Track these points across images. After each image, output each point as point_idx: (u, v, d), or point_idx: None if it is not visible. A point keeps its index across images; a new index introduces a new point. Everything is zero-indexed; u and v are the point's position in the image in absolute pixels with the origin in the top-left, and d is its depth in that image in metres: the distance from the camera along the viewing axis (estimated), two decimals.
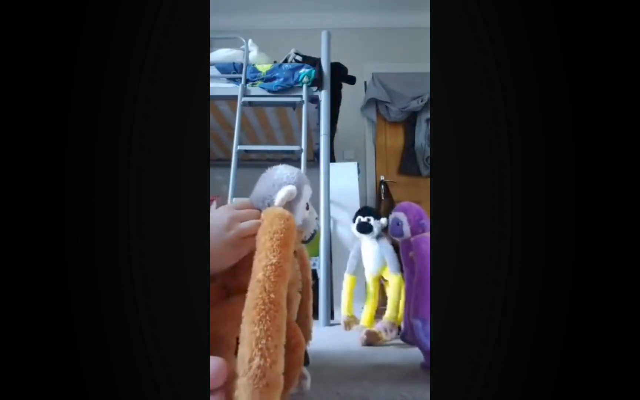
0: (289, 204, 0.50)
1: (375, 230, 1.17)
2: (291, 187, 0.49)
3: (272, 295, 0.38)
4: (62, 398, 0.33)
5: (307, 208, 0.54)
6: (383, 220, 1.18)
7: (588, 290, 0.34)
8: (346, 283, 1.27)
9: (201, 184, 0.39)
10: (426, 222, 0.88)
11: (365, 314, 1.20)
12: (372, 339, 1.06)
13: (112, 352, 0.34)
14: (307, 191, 0.53)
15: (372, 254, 1.18)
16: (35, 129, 0.35)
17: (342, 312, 1.25)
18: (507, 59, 0.37)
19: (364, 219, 1.18)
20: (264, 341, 0.35)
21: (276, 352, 0.35)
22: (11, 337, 0.33)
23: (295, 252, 0.68)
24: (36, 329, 0.33)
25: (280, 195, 0.49)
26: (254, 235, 0.45)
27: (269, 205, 0.49)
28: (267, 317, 0.36)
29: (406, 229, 0.87)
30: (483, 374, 0.35)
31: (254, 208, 0.50)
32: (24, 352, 0.33)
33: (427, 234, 0.85)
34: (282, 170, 0.52)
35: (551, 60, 0.36)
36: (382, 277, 1.20)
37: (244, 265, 0.44)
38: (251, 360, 0.34)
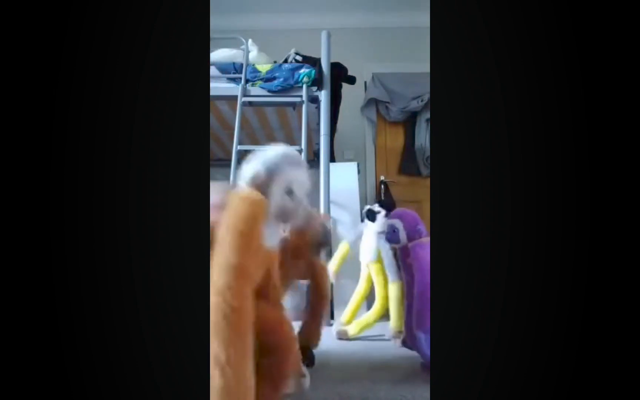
0: (261, 188, 0.45)
1: (378, 226, 1.17)
2: (257, 169, 0.45)
3: (233, 304, 0.34)
4: (62, 398, 0.33)
5: (291, 194, 0.47)
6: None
7: (588, 290, 0.34)
8: (340, 248, 1.29)
9: (201, 184, 0.39)
10: (422, 227, 0.88)
11: (349, 308, 1.23)
12: (341, 335, 1.13)
13: (112, 352, 0.34)
14: (289, 175, 0.46)
15: (369, 245, 1.19)
16: (36, 129, 0.35)
17: (343, 319, 1.27)
18: (507, 59, 0.37)
19: (376, 209, 1.20)
20: (223, 358, 0.33)
21: (240, 366, 0.34)
22: (11, 337, 0.33)
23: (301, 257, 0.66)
24: (36, 329, 0.33)
25: (244, 174, 0.45)
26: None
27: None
28: (228, 331, 0.34)
29: (402, 235, 0.88)
30: (483, 374, 0.35)
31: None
32: (24, 352, 0.33)
33: (424, 239, 0.85)
34: (268, 150, 0.47)
35: (551, 60, 0.36)
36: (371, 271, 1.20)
37: None
38: (213, 379, 0.33)
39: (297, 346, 0.48)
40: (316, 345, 0.75)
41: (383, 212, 1.19)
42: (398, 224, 0.89)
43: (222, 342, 0.33)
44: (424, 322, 0.74)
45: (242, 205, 0.39)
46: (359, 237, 1.26)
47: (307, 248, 0.76)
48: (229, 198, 0.41)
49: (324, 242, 0.78)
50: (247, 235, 0.38)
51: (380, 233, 1.18)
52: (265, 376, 0.42)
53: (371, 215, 1.18)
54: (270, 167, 0.46)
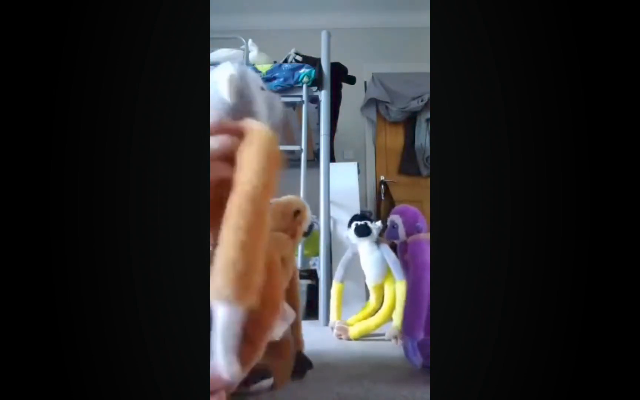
0: (242, 95, 0.45)
1: (375, 232, 1.15)
2: (230, 74, 0.45)
3: (259, 210, 0.36)
4: (62, 398, 0.33)
5: (263, 89, 0.49)
6: (379, 223, 1.17)
7: (588, 290, 0.34)
8: (334, 291, 1.24)
9: (201, 184, 0.39)
10: (422, 224, 0.88)
11: (357, 316, 1.19)
12: (340, 332, 1.11)
13: (112, 352, 0.34)
14: (253, 75, 0.48)
15: (372, 261, 1.15)
16: (36, 129, 0.35)
17: (331, 318, 1.24)
18: (507, 59, 0.37)
19: (360, 223, 1.16)
20: (252, 250, 0.34)
21: (259, 264, 0.35)
22: (12, 337, 0.33)
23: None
24: (36, 329, 0.33)
25: (224, 91, 0.45)
26: (230, 159, 0.41)
27: (231, 110, 0.45)
28: (255, 229, 0.35)
29: (401, 231, 0.88)
30: (483, 374, 0.35)
31: (220, 114, 0.45)
32: (24, 352, 0.33)
33: (423, 235, 0.84)
34: (216, 69, 0.48)
35: (551, 60, 0.36)
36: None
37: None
38: (235, 261, 0.34)
39: (280, 309, 0.47)
40: (301, 349, 0.75)
41: (368, 221, 1.17)
42: (398, 219, 0.89)
43: (245, 222, 0.34)
44: (412, 328, 0.74)
45: (268, 144, 0.40)
46: (347, 268, 1.23)
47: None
48: (251, 134, 0.42)
49: (307, 232, 0.80)
50: (273, 165, 0.39)
51: (378, 239, 1.16)
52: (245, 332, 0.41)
53: (365, 231, 1.14)
54: (239, 69, 0.47)
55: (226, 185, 0.41)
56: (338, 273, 1.24)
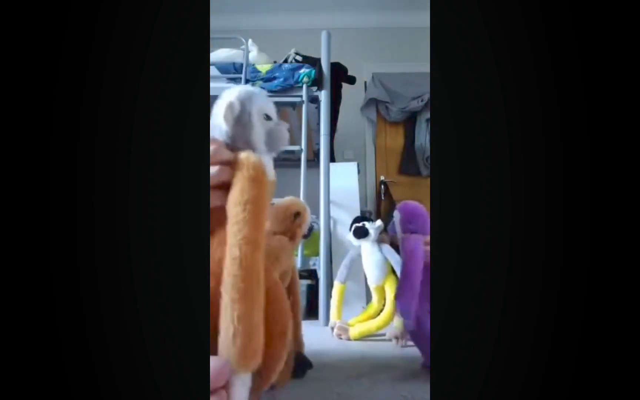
0: (240, 123, 0.45)
1: (372, 233, 1.15)
2: (229, 102, 0.45)
3: (250, 272, 0.38)
4: (62, 398, 0.33)
5: (270, 119, 0.48)
6: (379, 222, 1.17)
7: (588, 290, 0.34)
8: (335, 291, 1.24)
9: (201, 184, 0.39)
10: (415, 224, 0.87)
11: (358, 317, 1.19)
12: (340, 332, 1.11)
13: (112, 352, 0.34)
14: (260, 102, 0.47)
15: (372, 262, 1.15)
16: (36, 129, 0.35)
17: (331, 318, 1.24)
18: (507, 59, 0.37)
19: (359, 225, 1.16)
20: (247, 318, 0.36)
21: (258, 326, 0.37)
22: (11, 337, 0.33)
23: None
24: (36, 329, 0.33)
25: (220, 114, 0.45)
26: (220, 187, 0.42)
27: (228, 137, 0.45)
28: (247, 295, 0.37)
29: (397, 227, 0.88)
30: (483, 374, 0.35)
31: (216, 143, 0.45)
32: (24, 352, 0.33)
33: (415, 236, 0.84)
34: (224, 92, 0.48)
35: (551, 60, 0.36)
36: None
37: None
38: (235, 335, 0.36)
39: (288, 335, 0.48)
40: (301, 349, 0.75)
41: (366, 222, 1.17)
42: (396, 215, 0.90)
43: (243, 308, 0.37)
44: (403, 300, 0.74)
45: (249, 187, 0.41)
46: (349, 269, 1.23)
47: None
48: (237, 177, 0.42)
49: (307, 235, 0.80)
50: (259, 210, 0.41)
51: (376, 241, 1.16)
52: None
53: (363, 232, 1.15)
54: (243, 96, 0.46)
55: (218, 214, 0.42)
56: (341, 274, 1.24)
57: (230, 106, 0.45)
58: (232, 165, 0.43)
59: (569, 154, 0.35)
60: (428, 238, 0.82)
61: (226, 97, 0.47)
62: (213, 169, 0.42)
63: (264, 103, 0.48)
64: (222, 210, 0.42)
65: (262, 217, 0.41)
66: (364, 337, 1.12)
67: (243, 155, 0.44)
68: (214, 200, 0.42)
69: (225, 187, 0.43)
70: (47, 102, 0.35)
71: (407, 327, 0.75)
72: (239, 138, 0.46)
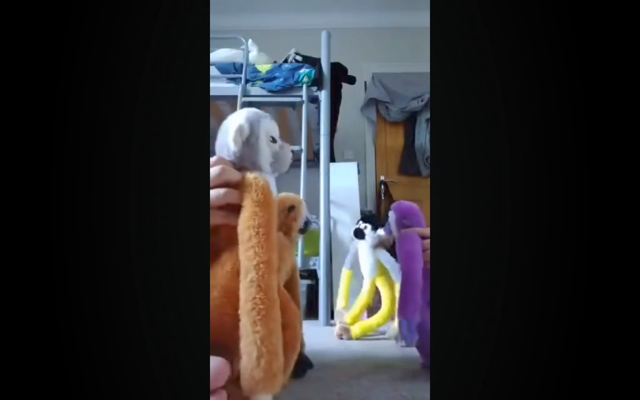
0: (248, 145, 0.47)
1: (369, 240, 1.15)
2: (239, 124, 0.46)
3: (268, 294, 0.39)
4: (62, 398, 0.33)
5: (275, 141, 0.50)
6: (380, 232, 1.17)
7: (588, 290, 0.34)
8: (343, 277, 1.26)
9: (201, 184, 0.39)
10: (409, 220, 0.86)
11: (352, 312, 1.20)
12: (341, 332, 1.12)
13: (112, 352, 0.34)
14: (266, 124, 0.49)
15: (366, 260, 1.18)
16: (35, 129, 0.35)
17: (338, 305, 1.25)
18: (507, 59, 0.37)
19: (362, 226, 1.18)
20: (270, 339, 0.37)
21: (279, 346, 0.38)
22: (11, 337, 0.33)
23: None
24: (36, 329, 0.33)
25: (230, 138, 0.46)
26: (225, 206, 0.43)
27: (235, 157, 0.46)
28: (268, 316, 0.38)
29: (393, 227, 0.88)
30: (483, 374, 0.35)
31: (223, 162, 0.46)
32: (24, 352, 0.33)
33: (410, 230, 0.83)
34: (232, 115, 0.49)
35: (551, 60, 0.36)
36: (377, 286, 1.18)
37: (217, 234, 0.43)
38: (259, 357, 0.36)
39: (298, 329, 0.49)
40: (302, 349, 0.75)
41: (369, 226, 1.18)
42: (391, 215, 0.89)
43: (266, 329, 0.38)
44: (406, 309, 0.74)
45: (260, 211, 0.42)
46: (356, 257, 1.24)
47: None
48: (245, 205, 0.44)
49: (304, 228, 0.80)
50: (270, 232, 0.42)
51: (373, 247, 1.17)
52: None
53: (360, 234, 1.16)
54: (251, 119, 0.48)
55: (225, 232, 0.44)
56: (347, 261, 1.26)
57: (240, 129, 0.46)
58: (239, 186, 0.45)
59: (569, 154, 0.35)
60: (423, 230, 0.81)
61: (235, 119, 0.48)
62: (220, 191, 0.44)
63: (271, 126, 0.50)
64: (228, 228, 0.43)
65: (273, 238, 0.42)
66: (365, 336, 1.14)
67: (250, 176, 0.45)
68: (220, 218, 0.44)
69: (231, 207, 0.44)
70: (47, 101, 0.35)
71: (408, 343, 0.74)
72: (246, 159, 0.47)
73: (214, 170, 0.44)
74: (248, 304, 0.38)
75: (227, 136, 0.47)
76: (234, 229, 0.43)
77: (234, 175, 0.45)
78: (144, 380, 0.34)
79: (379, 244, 1.16)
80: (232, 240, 0.43)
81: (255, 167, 0.47)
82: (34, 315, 0.33)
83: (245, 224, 0.42)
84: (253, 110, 0.50)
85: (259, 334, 0.37)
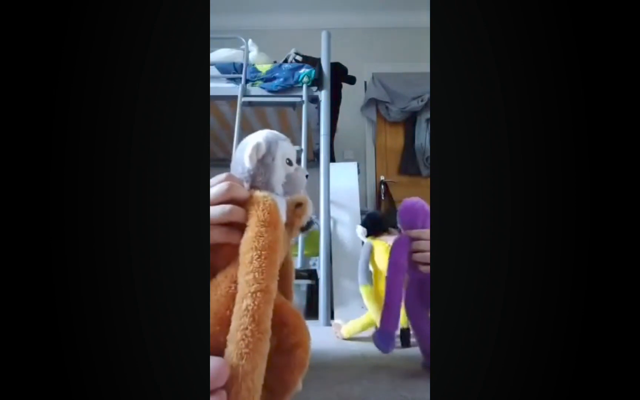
0: (263, 164, 0.46)
1: (365, 240, 1.14)
2: (257, 142, 0.45)
3: (261, 326, 0.37)
4: (62, 398, 0.33)
5: (291, 164, 0.49)
6: (367, 243, 1.14)
7: (588, 291, 0.34)
8: (365, 294, 1.10)
9: (201, 184, 0.39)
10: (412, 220, 0.85)
11: (356, 321, 1.15)
12: (335, 329, 1.12)
13: (112, 352, 0.34)
14: (284, 147, 0.48)
15: (385, 257, 1.15)
16: (35, 129, 0.35)
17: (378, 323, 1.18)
18: (507, 59, 0.37)
19: (359, 232, 1.16)
20: (251, 376, 0.35)
21: (259, 383, 0.37)
22: (11, 337, 0.33)
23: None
24: (36, 329, 0.33)
25: (246, 155, 0.45)
26: (229, 224, 0.42)
27: (249, 175, 0.45)
28: (255, 350, 0.36)
29: (401, 227, 0.88)
30: (483, 374, 0.35)
31: (232, 179, 0.45)
32: (23, 352, 0.33)
33: (403, 234, 0.83)
34: (252, 134, 0.48)
35: (551, 60, 0.36)
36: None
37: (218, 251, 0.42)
38: (237, 392, 0.35)
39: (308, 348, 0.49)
40: None
41: (365, 239, 1.15)
42: (398, 218, 0.89)
43: (249, 364, 0.36)
44: (383, 321, 0.74)
45: (265, 233, 0.41)
46: (367, 260, 1.16)
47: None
48: (249, 224, 0.42)
49: (306, 227, 0.80)
50: (272, 258, 0.40)
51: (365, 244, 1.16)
52: (282, 370, 0.43)
53: (377, 224, 1.15)
54: (270, 139, 0.47)
55: (225, 251, 0.42)
56: (361, 271, 1.13)
57: (257, 147, 0.45)
58: (246, 204, 0.43)
59: (569, 154, 0.35)
60: (415, 232, 0.79)
61: (254, 138, 0.47)
62: (225, 207, 0.42)
63: (289, 149, 0.49)
64: (229, 247, 0.42)
65: (276, 262, 0.41)
66: (352, 336, 1.12)
67: (259, 194, 0.44)
68: (221, 236, 0.42)
69: (235, 225, 0.42)
70: (47, 101, 0.35)
71: (383, 351, 0.73)
72: (259, 178, 0.46)
73: (221, 186, 0.43)
74: (238, 334, 0.36)
75: (244, 153, 0.46)
76: (235, 248, 0.41)
77: (242, 192, 0.44)
78: (144, 380, 0.34)
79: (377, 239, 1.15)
80: (230, 260, 0.42)
81: (267, 187, 0.46)
82: (34, 315, 0.33)
83: (249, 244, 0.40)
84: (273, 132, 0.49)
85: (242, 368, 0.35)
